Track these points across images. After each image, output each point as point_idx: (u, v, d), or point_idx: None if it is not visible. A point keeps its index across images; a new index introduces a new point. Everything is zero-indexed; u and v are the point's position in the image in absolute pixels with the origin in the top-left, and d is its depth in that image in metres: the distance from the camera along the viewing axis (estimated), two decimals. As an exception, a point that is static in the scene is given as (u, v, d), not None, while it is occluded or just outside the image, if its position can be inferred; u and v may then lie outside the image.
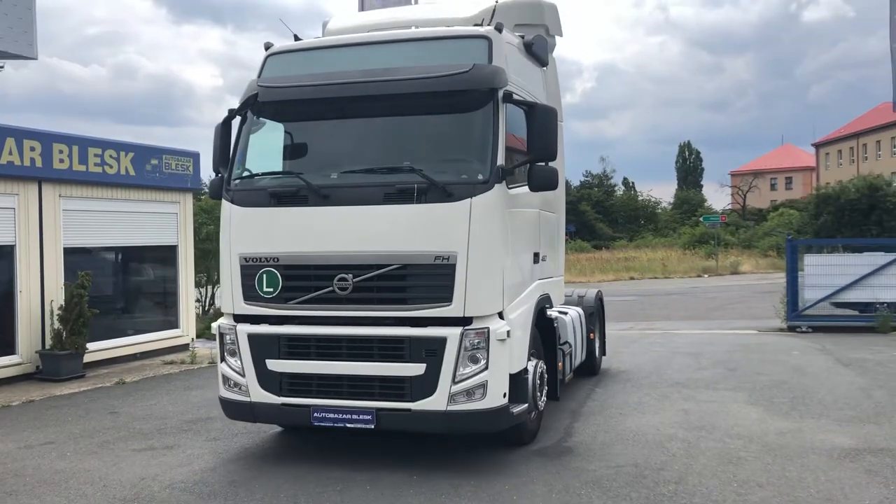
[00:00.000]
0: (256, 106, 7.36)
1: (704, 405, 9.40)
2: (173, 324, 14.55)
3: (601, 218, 72.86)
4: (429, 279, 6.74)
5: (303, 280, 7.03)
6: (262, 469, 7.13)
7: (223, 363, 7.40)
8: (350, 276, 6.83)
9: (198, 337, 15.39)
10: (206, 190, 15.05)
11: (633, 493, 6.26)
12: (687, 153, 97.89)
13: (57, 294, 12.15)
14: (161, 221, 14.21)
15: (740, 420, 8.59)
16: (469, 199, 6.62)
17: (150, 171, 13.66)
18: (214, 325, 7.56)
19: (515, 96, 7.10)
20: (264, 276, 7.10)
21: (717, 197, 74.50)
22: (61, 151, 12.14)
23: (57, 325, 11.83)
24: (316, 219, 7.00)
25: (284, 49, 7.76)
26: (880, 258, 18.00)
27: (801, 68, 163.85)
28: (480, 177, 6.72)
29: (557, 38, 9.58)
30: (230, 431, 8.48)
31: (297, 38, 8.08)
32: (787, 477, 6.57)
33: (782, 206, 69.36)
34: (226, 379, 7.38)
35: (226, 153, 7.55)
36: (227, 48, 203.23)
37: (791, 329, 17.77)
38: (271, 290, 7.09)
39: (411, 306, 6.79)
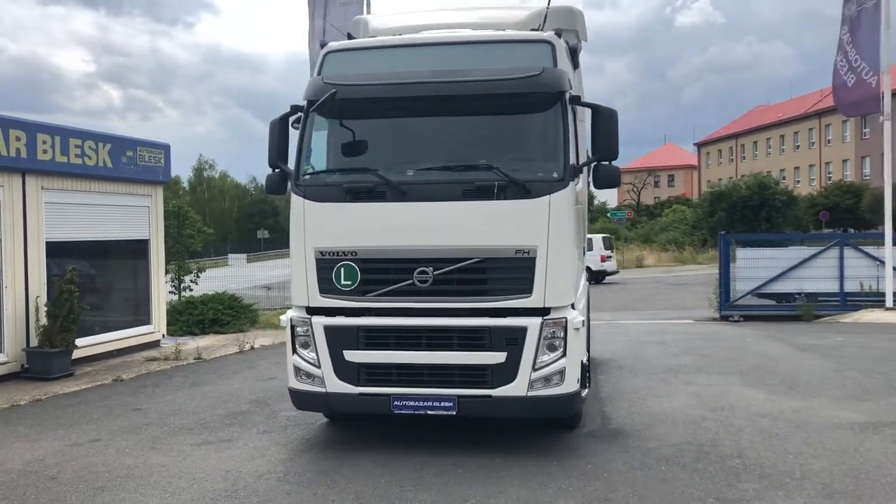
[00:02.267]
0: (326, 103, 7.42)
1: (709, 388, 10.12)
2: (145, 320, 14.21)
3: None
4: (509, 272, 7.07)
5: (382, 273, 7.22)
6: (342, 458, 7.27)
7: (294, 355, 7.48)
8: (430, 269, 7.07)
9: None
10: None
11: (708, 467, 6.81)
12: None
13: (41, 290, 11.72)
14: (134, 215, 13.87)
15: (751, 401, 9.31)
16: (548, 196, 6.97)
17: (125, 163, 13.31)
18: (284, 317, 7.62)
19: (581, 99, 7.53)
20: (342, 269, 7.24)
21: (607, 193, 77.16)
22: (45, 142, 11.70)
23: (44, 321, 11.42)
24: (394, 214, 7.19)
25: (344, 47, 7.87)
26: (804, 252, 19.60)
27: (675, 71, 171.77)
28: (556, 175, 7.09)
29: (583, 42, 10.07)
30: (277, 424, 8.56)
31: (350, 37, 8.22)
32: (830, 448, 7.28)
33: (668, 201, 72.84)
34: (298, 370, 7.47)
35: (284, 149, 7.62)
36: (100, 33, 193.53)
37: (724, 318, 19.01)
38: (349, 283, 7.24)
39: (492, 297, 7.09)
